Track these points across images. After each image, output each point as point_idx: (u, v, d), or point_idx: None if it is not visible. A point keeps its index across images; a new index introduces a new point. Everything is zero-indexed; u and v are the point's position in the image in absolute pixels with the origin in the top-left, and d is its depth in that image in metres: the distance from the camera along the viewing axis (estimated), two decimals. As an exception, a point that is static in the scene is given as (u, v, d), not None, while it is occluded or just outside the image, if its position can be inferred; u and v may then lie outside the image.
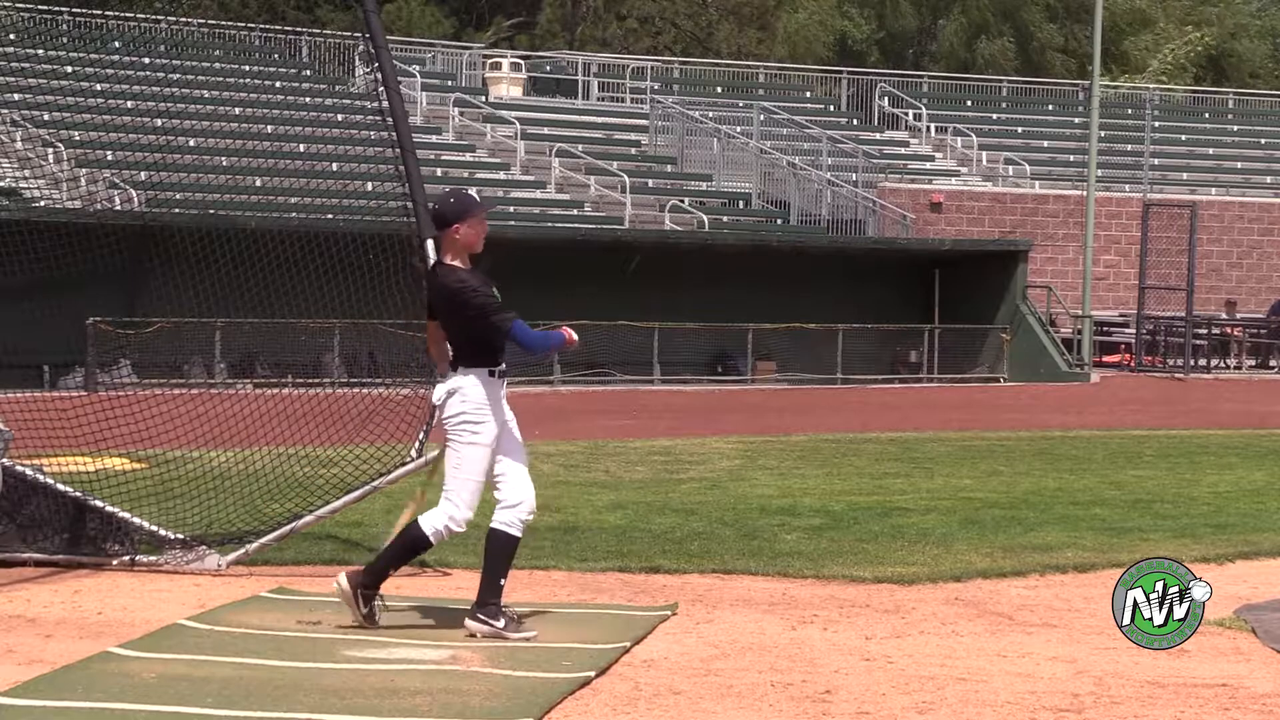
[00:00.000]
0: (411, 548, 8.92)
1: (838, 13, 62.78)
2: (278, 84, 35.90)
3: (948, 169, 42.00)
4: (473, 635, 8.65)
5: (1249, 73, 65.49)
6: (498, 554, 8.77)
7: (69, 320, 22.97)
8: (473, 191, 9.14)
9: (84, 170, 27.55)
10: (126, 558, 10.50)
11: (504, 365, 8.79)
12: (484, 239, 8.92)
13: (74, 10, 35.68)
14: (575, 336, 8.85)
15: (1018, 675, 8.14)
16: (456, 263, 8.84)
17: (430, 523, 8.79)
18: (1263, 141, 46.90)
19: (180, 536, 10.57)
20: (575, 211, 35.14)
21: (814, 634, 9.02)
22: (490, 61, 43.21)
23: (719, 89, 44.85)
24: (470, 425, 8.69)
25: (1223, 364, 37.96)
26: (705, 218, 34.88)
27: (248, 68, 36.90)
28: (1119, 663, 8.35)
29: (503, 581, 8.76)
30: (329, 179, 21.90)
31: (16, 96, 15.01)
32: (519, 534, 8.81)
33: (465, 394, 8.70)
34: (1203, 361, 36.94)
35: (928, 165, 42.00)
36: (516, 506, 8.78)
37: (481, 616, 8.69)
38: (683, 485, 15.35)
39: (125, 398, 12.27)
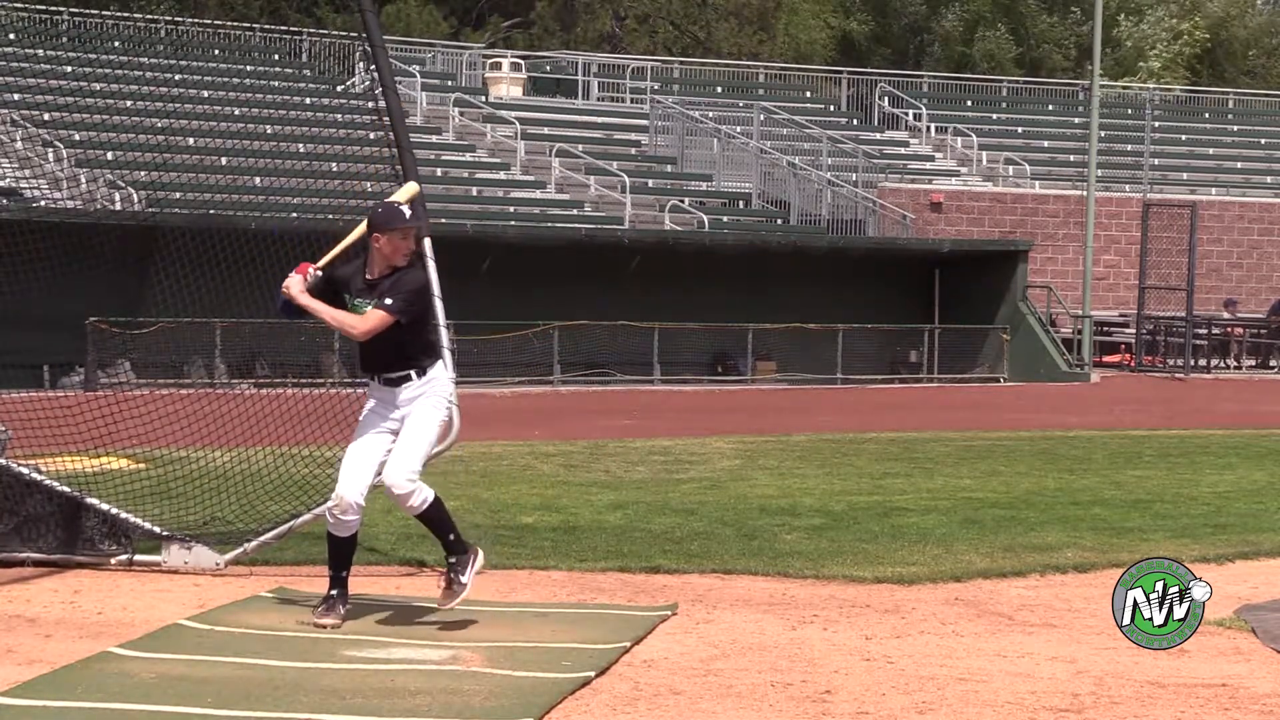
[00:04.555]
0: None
1: (840, 11, 62.72)
2: (277, 84, 35.90)
3: (948, 169, 41.99)
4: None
5: (1244, 68, 65.35)
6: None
7: (69, 320, 22.99)
8: (405, 209, 9.19)
9: (84, 170, 27.55)
10: (125, 557, 10.50)
11: (381, 373, 9.11)
12: (406, 255, 9.09)
13: (73, 10, 35.72)
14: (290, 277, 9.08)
15: (1018, 675, 8.14)
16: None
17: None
18: (1263, 141, 46.89)
19: (179, 535, 10.57)
20: (575, 211, 35.13)
21: (814, 634, 9.02)
22: (490, 61, 43.20)
23: (719, 89, 44.83)
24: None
25: (1223, 364, 37.96)
26: (705, 218, 34.87)
27: (248, 68, 36.89)
28: (1119, 663, 8.35)
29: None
30: (329, 179, 21.86)
31: (16, 96, 15.01)
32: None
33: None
34: (1203, 361, 36.94)
35: (928, 165, 41.99)
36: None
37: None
38: (683, 485, 15.34)
39: (125, 398, 12.26)
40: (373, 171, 11.64)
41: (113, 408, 11.66)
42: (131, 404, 12.08)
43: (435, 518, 9.10)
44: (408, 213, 9.12)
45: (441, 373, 9.19)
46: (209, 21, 42.56)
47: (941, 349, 33.31)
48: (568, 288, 29.55)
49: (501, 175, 36.39)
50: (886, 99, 44.71)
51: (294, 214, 18.14)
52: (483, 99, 39.61)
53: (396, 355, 9.04)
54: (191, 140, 29.14)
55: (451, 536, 9.13)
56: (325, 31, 42.92)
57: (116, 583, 10.12)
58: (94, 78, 14.71)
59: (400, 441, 9.01)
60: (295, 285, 9.01)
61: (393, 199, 9.41)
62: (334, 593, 9.04)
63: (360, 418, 9.19)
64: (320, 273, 9.09)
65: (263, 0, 50.83)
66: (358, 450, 9.07)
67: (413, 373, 9.06)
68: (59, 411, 11.49)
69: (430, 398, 9.09)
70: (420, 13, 53.33)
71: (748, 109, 40.44)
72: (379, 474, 9.14)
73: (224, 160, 30.71)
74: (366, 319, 8.94)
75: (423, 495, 8.99)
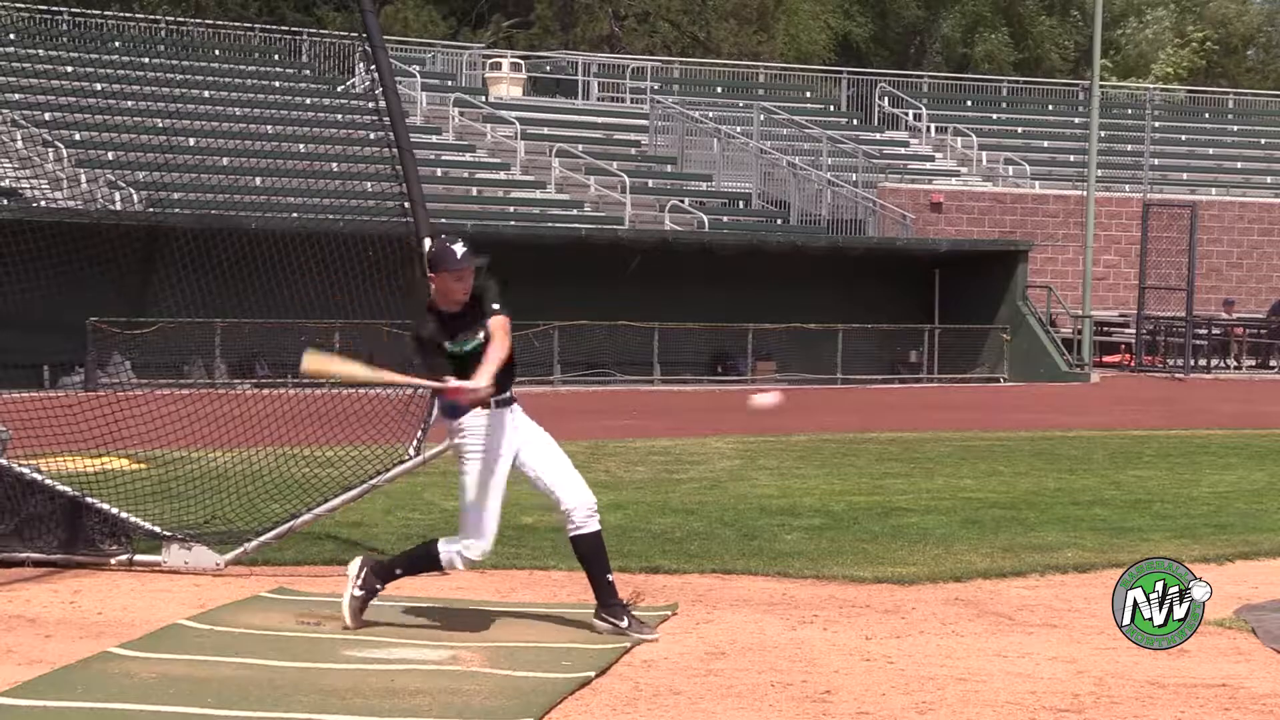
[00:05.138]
0: (423, 560, 8.94)
1: (840, 13, 62.76)
2: (278, 84, 35.91)
3: (948, 169, 41.99)
4: (599, 632, 8.77)
5: (1245, 65, 65.39)
6: (589, 556, 8.88)
7: (69, 320, 22.98)
8: (459, 247, 8.62)
9: (84, 170, 27.54)
10: (125, 557, 10.50)
11: (509, 395, 8.77)
12: (457, 298, 8.59)
13: (74, 10, 35.71)
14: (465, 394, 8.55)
15: (1018, 675, 8.14)
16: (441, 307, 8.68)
17: (447, 547, 8.83)
18: (1263, 141, 46.90)
19: (179, 535, 10.57)
20: (575, 211, 35.14)
21: (814, 634, 9.02)
22: (490, 61, 43.21)
23: (719, 89, 44.84)
24: (472, 454, 8.70)
25: (1223, 364, 37.96)
26: (705, 218, 34.87)
27: (248, 68, 36.90)
28: (1119, 663, 8.35)
29: (610, 578, 8.87)
30: (329, 179, 21.87)
31: (17, 96, 15.00)
32: (597, 528, 8.86)
33: (466, 425, 8.70)
34: (1203, 361, 36.95)
35: (928, 165, 41.99)
36: (578, 508, 8.81)
37: (606, 617, 8.82)
38: (683, 485, 15.34)
39: (125, 398, 12.27)
40: (373, 171, 11.65)
41: (113, 408, 11.66)
42: (131, 404, 12.07)
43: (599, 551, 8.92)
44: (460, 252, 8.60)
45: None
46: (209, 22, 42.56)
47: (941, 349, 33.31)
48: (568, 288, 29.54)
49: (501, 175, 36.39)
50: (886, 99, 44.72)
51: (294, 214, 18.16)
52: (483, 99, 39.61)
53: (505, 373, 8.66)
54: (192, 140, 29.14)
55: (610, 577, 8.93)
56: (325, 31, 42.91)
57: (116, 583, 10.12)
58: (94, 78, 14.70)
59: (563, 467, 8.81)
60: (469, 389, 8.45)
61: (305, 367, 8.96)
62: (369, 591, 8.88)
63: (480, 452, 8.66)
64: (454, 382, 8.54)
65: (260, 1, 50.80)
66: (498, 494, 8.71)
67: (511, 391, 8.82)
68: (59, 411, 11.49)
69: (530, 418, 8.91)
70: (419, 13, 53.31)
71: (748, 109, 40.44)
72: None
73: (224, 160, 30.71)
74: (504, 332, 8.54)
75: (598, 521, 8.90)
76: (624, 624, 8.76)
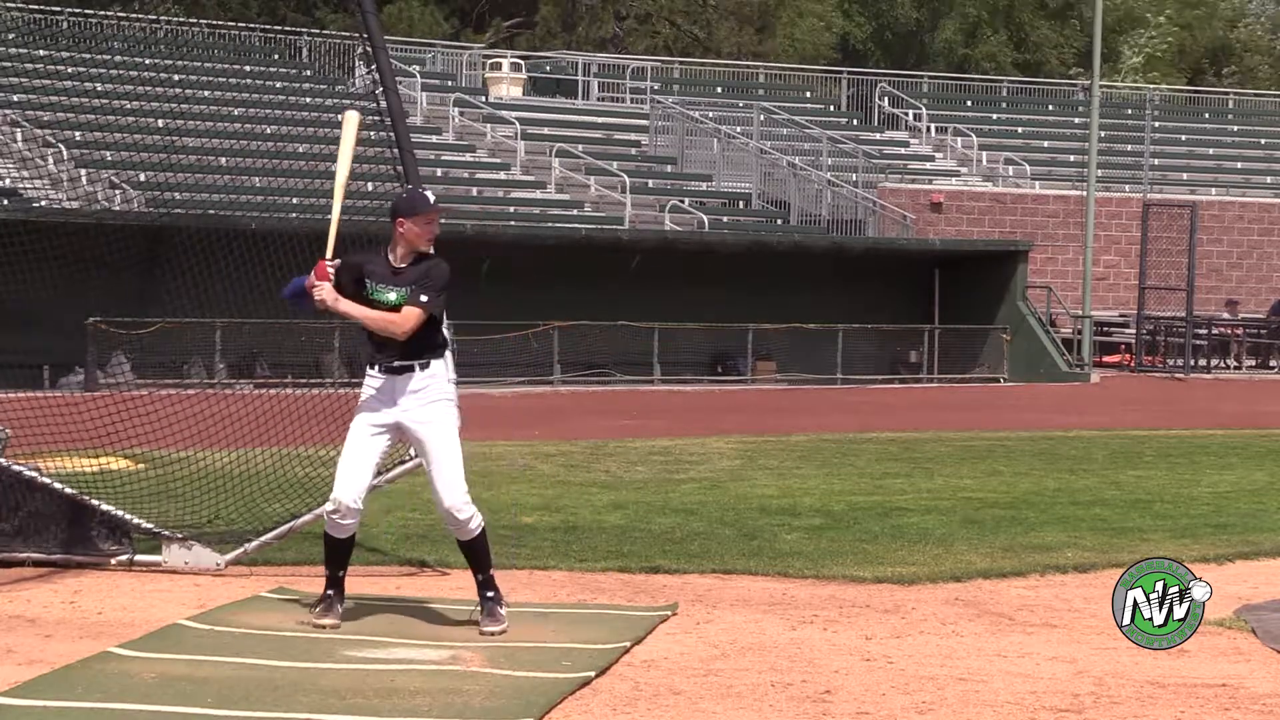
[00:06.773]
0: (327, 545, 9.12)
1: (839, 13, 62.78)
2: (278, 84, 35.90)
3: (948, 169, 42.01)
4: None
5: (1250, 72, 65.43)
6: (472, 555, 9.06)
7: (69, 320, 23.00)
8: (429, 193, 9.16)
9: (84, 170, 27.53)
10: (125, 557, 10.50)
11: (410, 364, 8.85)
12: (430, 241, 8.90)
13: (74, 10, 35.74)
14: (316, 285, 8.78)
15: (1018, 675, 8.14)
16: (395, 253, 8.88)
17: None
18: (1263, 141, 46.92)
19: (179, 535, 10.57)
20: (575, 211, 35.14)
21: (814, 634, 9.02)
22: (490, 62, 43.23)
23: (719, 89, 44.86)
24: (359, 410, 8.97)
25: (1223, 364, 37.97)
26: (705, 218, 34.88)
27: (248, 68, 36.88)
28: (1119, 663, 8.35)
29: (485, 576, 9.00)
30: (329, 179, 21.81)
31: (16, 97, 15.01)
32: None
33: (365, 382, 9.01)
34: (1203, 361, 36.95)
35: (928, 165, 42.00)
36: (447, 514, 8.92)
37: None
38: (683, 485, 15.34)
39: (125, 398, 12.26)
40: (373, 172, 11.65)
41: (112, 408, 11.66)
42: (131, 404, 12.07)
43: (483, 548, 9.00)
44: (433, 197, 9.02)
45: (442, 370, 9.01)
46: (209, 22, 42.55)
47: (941, 349, 33.31)
48: (568, 288, 29.55)
49: (501, 175, 36.40)
50: (886, 99, 44.74)
51: (294, 214, 18.14)
52: (483, 99, 39.62)
53: (410, 345, 8.85)
54: (191, 141, 29.10)
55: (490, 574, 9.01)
56: (325, 32, 42.93)
57: (116, 583, 10.12)
58: (95, 79, 14.71)
59: (438, 463, 8.82)
60: (329, 294, 8.75)
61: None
62: (330, 592, 8.99)
63: (357, 414, 8.98)
64: (335, 264, 8.89)
65: (260, 1, 50.82)
66: (354, 451, 8.90)
67: (417, 365, 8.89)
68: (59, 411, 11.49)
69: (437, 403, 8.89)
70: (422, 14, 53.32)
71: (748, 109, 40.46)
72: (376, 475, 9.11)
73: (224, 160, 30.69)
74: (407, 319, 8.74)
75: (478, 518, 8.91)
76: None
